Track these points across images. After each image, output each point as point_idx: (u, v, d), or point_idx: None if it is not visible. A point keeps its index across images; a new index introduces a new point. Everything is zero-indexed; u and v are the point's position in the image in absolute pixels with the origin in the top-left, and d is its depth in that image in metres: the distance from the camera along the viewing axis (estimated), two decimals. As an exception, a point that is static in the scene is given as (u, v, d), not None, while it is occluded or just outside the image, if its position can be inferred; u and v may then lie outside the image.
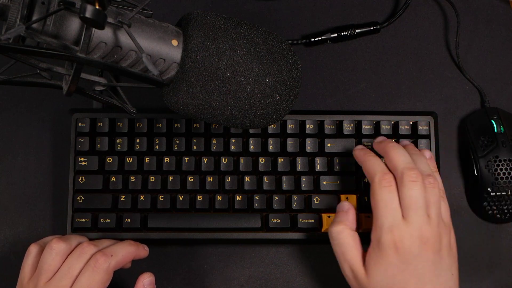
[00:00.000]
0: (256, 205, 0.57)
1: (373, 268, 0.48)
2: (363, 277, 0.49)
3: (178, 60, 0.43)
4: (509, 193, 0.58)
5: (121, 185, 0.57)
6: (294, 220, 0.57)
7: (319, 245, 0.58)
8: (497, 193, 0.58)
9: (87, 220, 0.56)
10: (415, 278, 0.47)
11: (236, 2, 0.64)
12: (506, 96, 0.63)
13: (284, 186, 0.57)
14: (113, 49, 0.41)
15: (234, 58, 0.43)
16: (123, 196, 0.57)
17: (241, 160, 0.57)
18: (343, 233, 0.51)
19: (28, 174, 0.60)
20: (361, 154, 0.54)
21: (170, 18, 0.55)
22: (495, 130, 0.59)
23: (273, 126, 0.58)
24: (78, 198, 0.56)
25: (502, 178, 0.58)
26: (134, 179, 0.57)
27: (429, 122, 0.59)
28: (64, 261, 0.49)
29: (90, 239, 0.53)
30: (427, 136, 0.58)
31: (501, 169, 0.58)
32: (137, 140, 0.57)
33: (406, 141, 0.56)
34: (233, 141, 0.57)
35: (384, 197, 0.49)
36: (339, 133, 0.58)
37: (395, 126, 0.58)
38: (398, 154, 0.51)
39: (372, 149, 0.55)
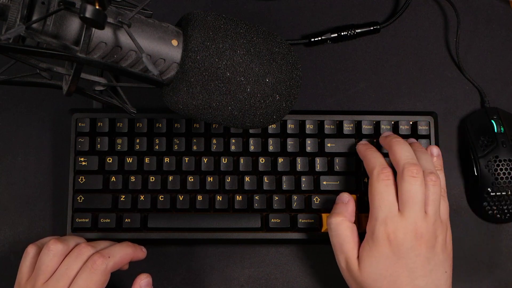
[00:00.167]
0: (256, 205, 0.57)
1: (366, 260, 0.49)
2: (356, 269, 0.49)
3: (178, 60, 0.43)
4: (509, 193, 0.58)
5: (121, 185, 0.57)
6: (294, 220, 0.57)
7: (319, 245, 0.58)
8: (497, 193, 0.58)
9: (87, 220, 0.56)
10: (407, 272, 0.47)
11: (236, 2, 0.64)
12: (506, 96, 0.63)
13: (284, 186, 0.57)
14: (113, 49, 0.41)
15: (234, 58, 0.43)
16: (123, 196, 0.57)
17: (241, 160, 0.57)
18: (342, 225, 0.51)
19: (28, 174, 0.60)
20: (363, 149, 0.54)
21: (170, 18, 0.55)
22: (495, 130, 0.59)
23: (273, 126, 0.58)
24: (78, 198, 0.56)
25: (502, 178, 0.58)
26: (134, 179, 0.57)
27: (429, 122, 0.59)
28: (61, 262, 0.49)
29: (90, 239, 0.53)
30: (427, 136, 0.58)
31: (501, 169, 0.58)
32: (137, 140, 0.57)
33: (412, 139, 0.57)
34: (233, 141, 0.57)
35: (381, 190, 0.49)
36: (339, 133, 0.58)
37: (395, 126, 0.58)
38: (402, 149, 0.51)
39: (376, 146, 0.55)
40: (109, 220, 0.56)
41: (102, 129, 0.57)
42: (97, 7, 0.35)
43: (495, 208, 0.58)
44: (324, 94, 0.62)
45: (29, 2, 0.38)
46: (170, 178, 0.57)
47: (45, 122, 0.61)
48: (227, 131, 0.57)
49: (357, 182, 0.58)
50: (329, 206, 0.57)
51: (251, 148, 0.57)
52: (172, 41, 0.42)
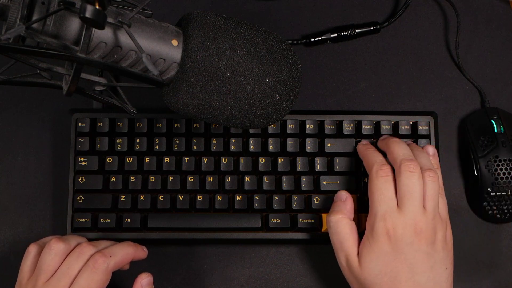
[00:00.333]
0: (256, 205, 0.57)
1: (366, 256, 0.49)
2: (356, 266, 0.49)
3: (178, 60, 0.43)
4: (509, 193, 0.58)
5: (121, 185, 0.57)
6: (294, 220, 0.57)
7: (319, 245, 0.58)
8: (497, 193, 0.58)
9: (87, 220, 0.56)
10: (407, 267, 0.47)
11: (236, 2, 0.64)
12: (506, 96, 0.63)
13: (284, 186, 0.57)
14: (113, 49, 0.41)
15: (234, 58, 0.43)
16: (123, 196, 0.57)
17: (241, 160, 0.57)
18: (341, 223, 0.51)
19: (28, 174, 0.60)
20: (363, 148, 0.55)
21: (170, 18, 0.55)
22: (495, 130, 0.59)
23: (273, 126, 0.58)
24: (78, 198, 0.56)
25: (502, 178, 0.58)
26: (134, 179, 0.57)
27: (429, 122, 0.59)
28: (63, 261, 0.49)
29: (90, 239, 0.53)
30: (427, 136, 0.58)
31: (501, 169, 0.58)
32: (137, 140, 0.57)
33: (409, 141, 0.57)
34: (233, 141, 0.57)
35: (380, 186, 0.50)
36: (339, 133, 0.58)
37: (395, 126, 0.58)
38: (399, 147, 0.52)
39: (376, 146, 0.56)
40: (109, 220, 0.56)
41: (102, 129, 0.57)
42: (97, 7, 0.35)
43: (495, 208, 0.58)
44: (324, 94, 0.62)
45: (29, 2, 0.38)
46: (170, 178, 0.57)
47: (45, 122, 0.61)
48: (227, 131, 0.57)
49: (357, 182, 0.58)
50: (329, 206, 0.57)
51: (251, 148, 0.57)
52: (172, 41, 0.42)
